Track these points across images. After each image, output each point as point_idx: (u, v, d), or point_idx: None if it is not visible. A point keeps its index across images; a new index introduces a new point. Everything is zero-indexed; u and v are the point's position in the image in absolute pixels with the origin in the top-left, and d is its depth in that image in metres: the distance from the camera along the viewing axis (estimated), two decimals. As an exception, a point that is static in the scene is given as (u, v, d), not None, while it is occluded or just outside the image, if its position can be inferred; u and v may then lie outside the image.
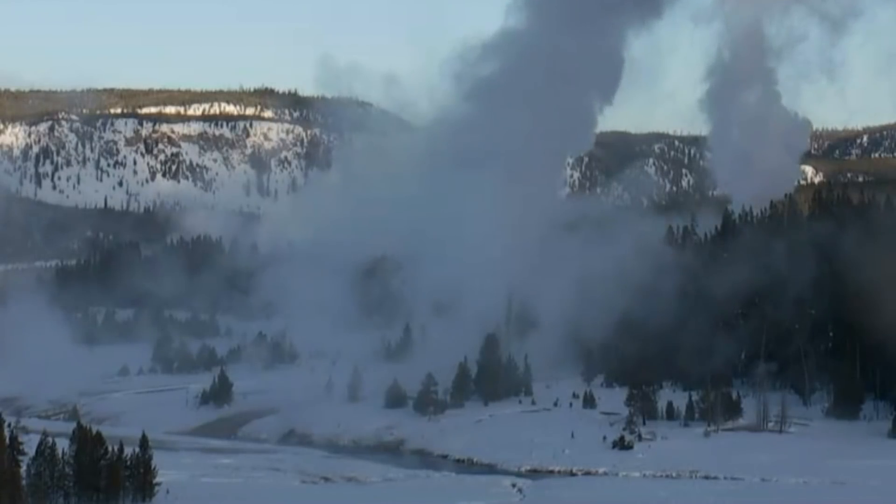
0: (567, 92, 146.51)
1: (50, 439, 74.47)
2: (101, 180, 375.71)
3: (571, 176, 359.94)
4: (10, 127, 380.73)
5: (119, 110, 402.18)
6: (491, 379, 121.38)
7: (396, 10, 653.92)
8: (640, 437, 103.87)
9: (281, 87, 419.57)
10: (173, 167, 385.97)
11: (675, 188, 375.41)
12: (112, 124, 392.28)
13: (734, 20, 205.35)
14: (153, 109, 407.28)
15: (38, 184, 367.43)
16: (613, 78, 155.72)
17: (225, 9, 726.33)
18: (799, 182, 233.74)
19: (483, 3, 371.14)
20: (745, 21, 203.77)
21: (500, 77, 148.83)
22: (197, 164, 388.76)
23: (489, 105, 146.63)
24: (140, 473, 77.84)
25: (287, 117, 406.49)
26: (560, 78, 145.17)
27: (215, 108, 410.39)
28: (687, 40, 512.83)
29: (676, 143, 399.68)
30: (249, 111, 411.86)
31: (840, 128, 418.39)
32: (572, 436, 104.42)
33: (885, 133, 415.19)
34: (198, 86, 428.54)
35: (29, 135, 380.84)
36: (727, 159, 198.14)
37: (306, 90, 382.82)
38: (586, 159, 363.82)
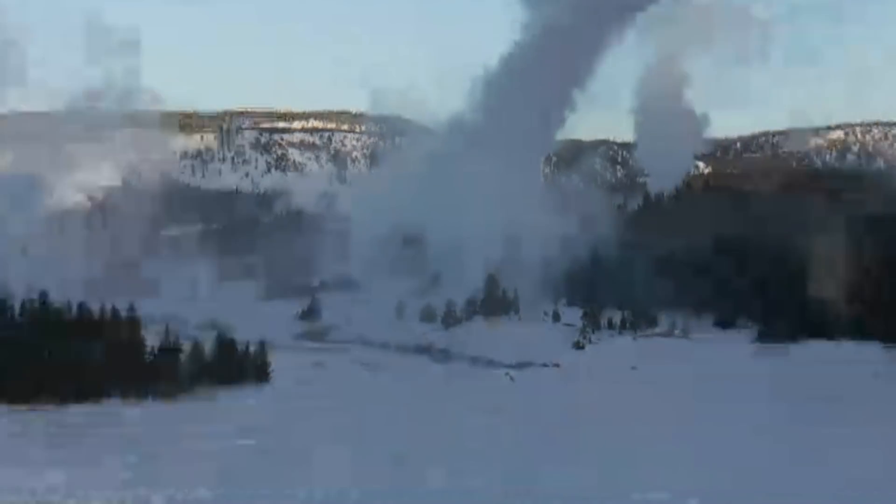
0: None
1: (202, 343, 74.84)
2: (234, 172, 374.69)
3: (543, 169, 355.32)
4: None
5: (244, 124, 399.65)
6: (492, 304, 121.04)
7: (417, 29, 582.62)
8: (590, 341, 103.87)
9: (353, 108, 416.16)
10: (282, 163, 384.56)
11: (614, 178, 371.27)
12: (243, 135, 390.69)
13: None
14: (267, 124, 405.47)
15: (203, 174, 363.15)
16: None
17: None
18: (695, 171, 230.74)
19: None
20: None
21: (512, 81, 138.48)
22: (298, 162, 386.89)
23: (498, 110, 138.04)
24: (261, 363, 78.34)
25: (358, 130, 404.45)
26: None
27: (310, 124, 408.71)
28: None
29: (615, 147, 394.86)
30: (331, 125, 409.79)
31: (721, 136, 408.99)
32: (546, 340, 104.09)
33: (754, 141, 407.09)
34: (298, 107, 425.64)
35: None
36: (647, 153, 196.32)
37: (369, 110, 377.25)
38: (554, 159, 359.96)
